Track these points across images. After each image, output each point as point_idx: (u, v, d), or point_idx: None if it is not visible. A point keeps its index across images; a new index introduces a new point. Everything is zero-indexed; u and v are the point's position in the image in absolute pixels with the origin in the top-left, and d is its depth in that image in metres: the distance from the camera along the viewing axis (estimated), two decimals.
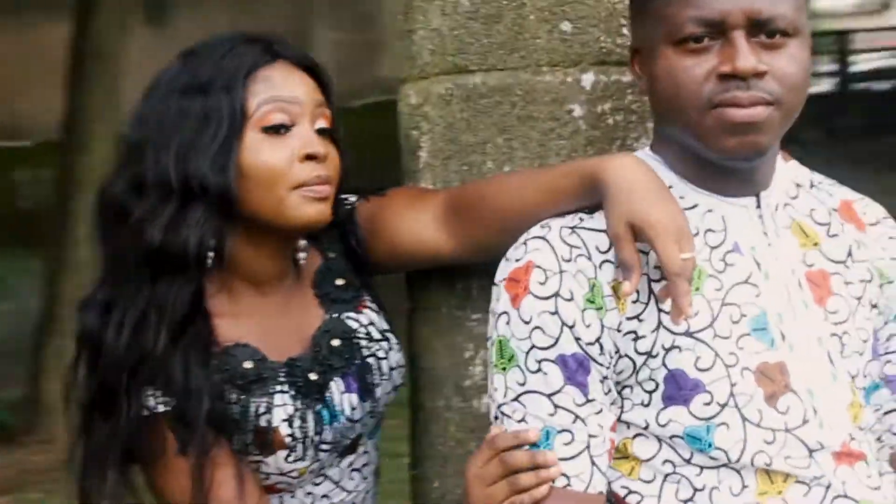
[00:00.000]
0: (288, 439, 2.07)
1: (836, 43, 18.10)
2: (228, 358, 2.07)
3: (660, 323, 1.82)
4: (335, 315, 2.19)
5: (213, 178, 2.05)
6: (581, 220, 1.88)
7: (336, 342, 2.15)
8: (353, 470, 2.21)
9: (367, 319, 2.21)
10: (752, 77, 1.79)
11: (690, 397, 1.80)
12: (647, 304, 1.83)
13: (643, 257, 1.82)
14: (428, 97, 2.22)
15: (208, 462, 2.01)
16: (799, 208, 1.95)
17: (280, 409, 2.08)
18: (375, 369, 2.18)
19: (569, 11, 2.14)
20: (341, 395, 2.14)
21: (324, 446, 2.12)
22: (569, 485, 1.81)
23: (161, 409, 2.03)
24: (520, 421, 1.83)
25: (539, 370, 1.82)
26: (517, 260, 1.87)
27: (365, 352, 2.17)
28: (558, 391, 1.81)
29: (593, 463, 1.82)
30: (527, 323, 1.83)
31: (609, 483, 1.85)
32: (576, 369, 1.81)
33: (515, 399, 1.84)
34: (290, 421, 2.08)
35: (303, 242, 2.20)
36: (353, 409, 2.15)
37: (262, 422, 2.06)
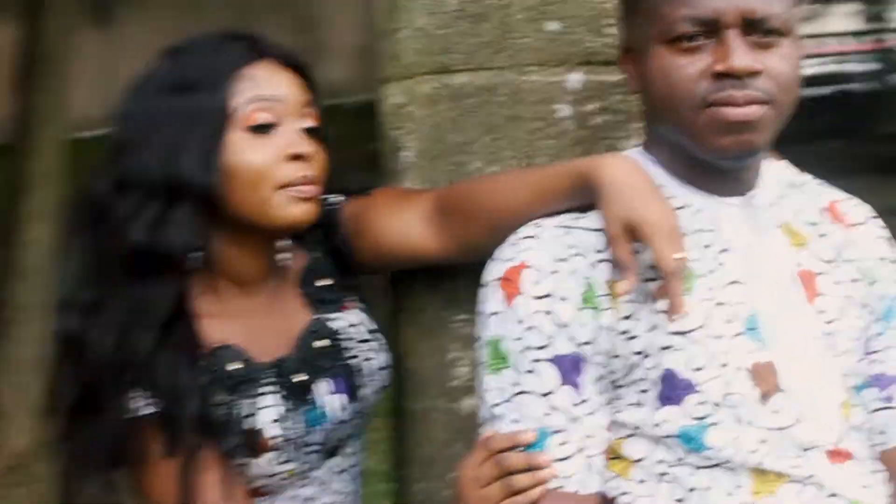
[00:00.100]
0: (275, 441, 2.05)
1: None
2: (215, 359, 2.05)
3: (653, 323, 1.82)
4: (321, 315, 2.17)
5: (197, 177, 2.02)
6: (574, 219, 1.87)
7: (323, 343, 2.14)
8: (339, 472, 2.19)
9: (353, 319, 2.19)
10: (747, 76, 1.79)
11: (684, 397, 1.80)
12: (641, 304, 1.82)
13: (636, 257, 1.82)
14: (413, 97, 2.21)
15: (195, 465, 1.98)
16: (788, 208, 1.95)
17: (267, 411, 2.05)
18: (363, 370, 2.16)
19: (555, 11, 2.14)
20: (329, 397, 2.12)
21: (311, 448, 2.10)
22: (563, 486, 1.80)
23: (147, 411, 2.00)
24: (514, 422, 1.82)
25: (533, 371, 1.81)
26: (509, 259, 1.86)
27: (352, 352, 2.16)
28: (553, 392, 1.80)
29: (588, 464, 1.82)
30: (520, 323, 1.82)
31: (602, 484, 1.84)
32: (570, 370, 1.81)
33: (509, 400, 1.82)
34: (277, 423, 2.06)
35: (287, 242, 2.18)
36: (341, 410, 2.13)
37: (249, 424, 2.04)
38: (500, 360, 1.83)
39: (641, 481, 1.83)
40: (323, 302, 2.18)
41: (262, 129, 2.05)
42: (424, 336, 2.22)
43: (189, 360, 2.01)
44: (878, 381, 1.97)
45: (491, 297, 1.86)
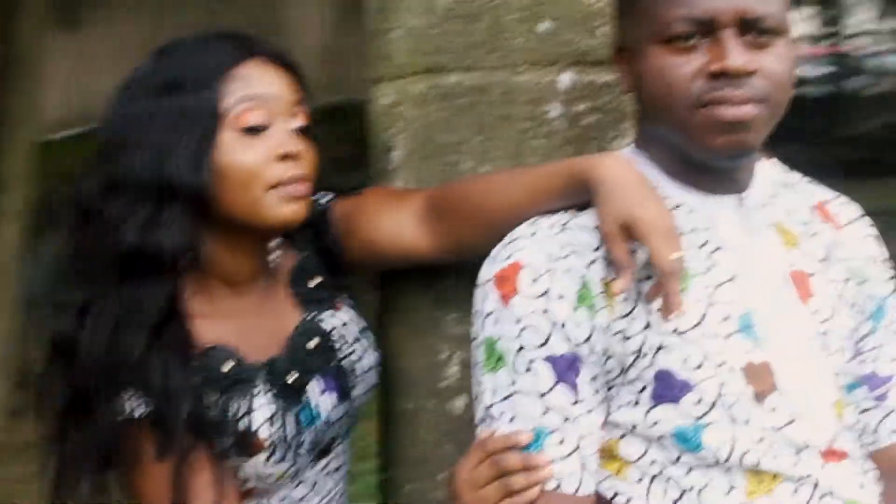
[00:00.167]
0: (268, 442, 2.05)
1: None
2: (207, 360, 2.04)
3: (648, 322, 1.81)
4: (312, 315, 2.17)
5: (188, 178, 2.01)
6: (570, 218, 1.87)
7: (313, 342, 2.13)
8: (328, 472, 2.19)
9: (343, 319, 2.19)
10: (743, 76, 1.79)
11: (679, 397, 1.80)
12: (635, 303, 1.82)
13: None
14: (404, 97, 2.20)
15: (187, 467, 1.98)
16: (780, 207, 1.95)
17: (260, 411, 2.05)
18: (353, 370, 2.16)
19: (547, 11, 2.14)
20: (320, 396, 2.12)
21: (303, 448, 2.09)
22: (560, 486, 1.80)
23: (139, 412, 1.99)
24: (510, 422, 1.82)
25: (529, 370, 1.81)
26: (505, 259, 1.85)
27: (342, 352, 2.15)
28: (549, 391, 1.80)
29: (584, 464, 1.81)
30: (517, 322, 1.81)
31: (597, 484, 1.84)
32: (566, 369, 1.80)
33: (505, 400, 1.82)
34: (270, 423, 2.05)
35: (276, 242, 2.17)
36: (332, 409, 2.13)
37: (243, 424, 2.03)
38: (497, 359, 1.83)
39: (637, 481, 1.83)
40: (314, 301, 2.18)
41: (253, 129, 2.04)
42: (414, 335, 2.21)
43: (181, 361, 2.00)
44: (869, 380, 1.98)
45: (487, 297, 1.85)
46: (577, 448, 1.81)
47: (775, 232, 1.93)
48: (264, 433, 2.04)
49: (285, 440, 2.06)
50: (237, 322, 2.10)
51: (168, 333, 2.01)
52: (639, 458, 1.83)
